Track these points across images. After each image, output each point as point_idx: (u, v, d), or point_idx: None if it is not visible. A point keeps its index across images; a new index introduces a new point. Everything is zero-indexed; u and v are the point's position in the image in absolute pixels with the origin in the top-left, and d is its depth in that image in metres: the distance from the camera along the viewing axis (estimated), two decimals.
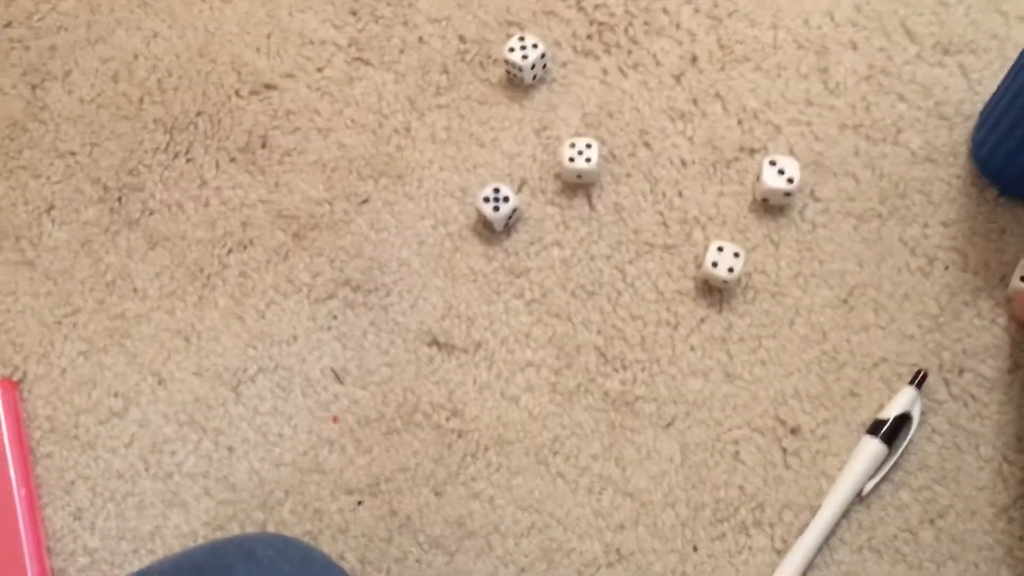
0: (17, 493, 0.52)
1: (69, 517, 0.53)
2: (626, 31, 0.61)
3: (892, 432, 0.50)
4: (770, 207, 0.55)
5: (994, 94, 0.53)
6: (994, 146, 0.53)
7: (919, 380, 0.51)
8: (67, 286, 0.57)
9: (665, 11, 0.61)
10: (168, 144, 0.60)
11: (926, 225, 0.54)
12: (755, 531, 0.50)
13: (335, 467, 0.53)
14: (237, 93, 0.61)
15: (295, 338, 0.55)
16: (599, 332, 0.54)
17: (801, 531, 0.49)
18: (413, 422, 0.53)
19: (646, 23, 0.61)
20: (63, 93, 0.62)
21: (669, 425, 0.52)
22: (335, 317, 0.56)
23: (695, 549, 0.50)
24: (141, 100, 0.62)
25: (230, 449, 0.53)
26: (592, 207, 0.57)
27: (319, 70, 0.62)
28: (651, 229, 0.56)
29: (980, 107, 0.56)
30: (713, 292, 0.54)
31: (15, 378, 0.56)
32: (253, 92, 0.61)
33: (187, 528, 0.52)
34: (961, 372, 0.51)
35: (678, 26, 0.60)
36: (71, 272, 0.58)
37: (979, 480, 0.50)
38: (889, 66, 0.58)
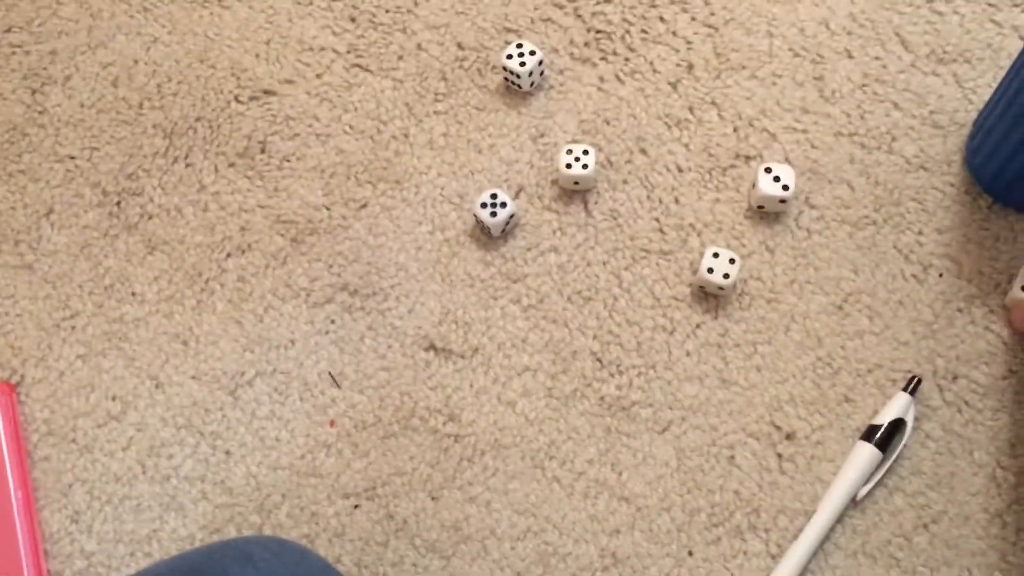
0: (14, 496, 0.52)
1: (66, 520, 0.53)
2: (623, 39, 0.61)
3: (886, 438, 0.50)
4: (766, 214, 0.56)
5: (987, 103, 0.54)
6: (988, 155, 0.53)
7: (913, 386, 0.51)
8: (66, 290, 0.58)
9: (662, 19, 0.61)
10: (167, 149, 0.61)
11: (920, 232, 0.55)
12: (750, 536, 0.50)
13: (332, 471, 0.53)
14: (236, 99, 0.62)
15: (293, 342, 0.56)
16: (595, 337, 0.54)
17: (796, 536, 0.49)
18: (410, 426, 0.53)
19: (643, 31, 0.61)
20: (63, 98, 0.63)
21: (665, 430, 0.52)
22: (333, 322, 0.56)
23: (690, 554, 0.50)
24: (141, 105, 0.62)
25: (227, 453, 0.54)
26: (589, 213, 0.57)
27: (318, 76, 0.62)
28: (647, 235, 0.56)
29: (974, 116, 0.57)
30: (709, 298, 0.54)
31: (13, 381, 0.56)
32: (252, 98, 0.62)
33: (184, 531, 0.52)
34: (955, 378, 0.52)
35: (675, 34, 0.61)
36: (70, 276, 0.58)
37: (973, 486, 0.50)
38: (884, 75, 0.58)
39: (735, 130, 0.58)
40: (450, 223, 0.57)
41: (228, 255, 0.58)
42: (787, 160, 0.57)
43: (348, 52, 0.62)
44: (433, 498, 0.52)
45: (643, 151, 0.58)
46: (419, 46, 0.62)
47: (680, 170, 0.57)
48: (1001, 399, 0.51)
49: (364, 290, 0.56)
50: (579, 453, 0.52)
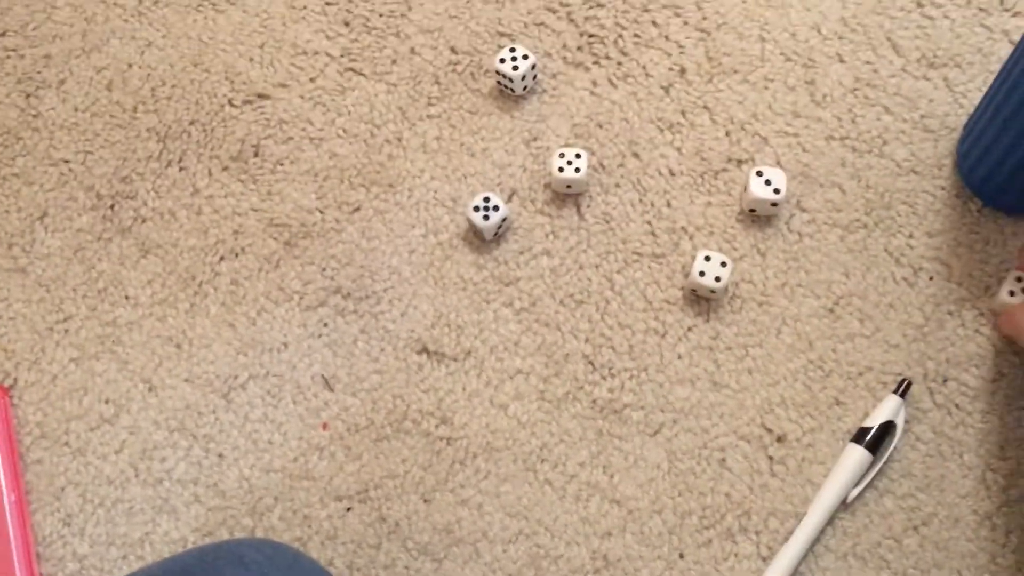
0: (7, 499, 0.52)
1: (59, 523, 0.53)
2: (616, 43, 0.61)
3: (876, 440, 0.50)
4: (757, 217, 0.56)
5: (977, 107, 0.54)
6: (978, 159, 0.53)
7: (903, 389, 0.51)
8: (59, 293, 0.58)
9: (654, 23, 0.61)
10: (161, 152, 0.61)
11: (911, 236, 0.55)
12: (741, 538, 0.50)
13: (325, 474, 0.53)
14: (230, 102, 0.62)
15: (286, 345, 0.56)
16: (587, 340, 0.54)
17: (787, 538, 0.50)
18: (402, 429, 0.53)
19: (635, 35, 0.61)
20: (57, 101, 0.63)
21: (656, 433, 0.52)
22: (326, 325, 0.56)
23: (681, 556, 0.50)
24: (135, 109, 0.62)
25: (220, 456, 0.54)
26: (581, 216, 0.57)
27: (312, 80, 0.62)
28: (639, 239, 0.56)
29: (964, 120, 0.57)
30: (700, 301, 0.55)
31: (6, 384, 0.56)
32: (246, 101, 0.62)
33: (177, 534, 0.52)
34: (945, 381, 0.52)
35: (667, 38, 0.61)
36: (63, 279, 0.58)
37: (963, 488, 0.50)
38: (875, 79, 0.59)
39: (727, 134, 0.58)
40: (443, 226, 0.58)
41: (221, 258, 0.58)
42: (778, 164, 0.57)
43: (342, 56, 0.63)
44: (425, 501, 0.52)
45: (635, 155, 0.58)
46: (412, 50, 0.62)
47: (672, 174, 0.58)
48: (991, 402, 0.51)
49: (357, 293, 0.56)
50: (571, 456, 0.52)
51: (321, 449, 0.53)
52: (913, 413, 0.51)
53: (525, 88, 0.60)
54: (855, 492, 0.50)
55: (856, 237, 0.55)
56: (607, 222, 0.57)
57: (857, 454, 0.50)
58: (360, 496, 0.52)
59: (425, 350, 0.55)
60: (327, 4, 0.64)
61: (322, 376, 0.55)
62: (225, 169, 0.60)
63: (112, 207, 0.60)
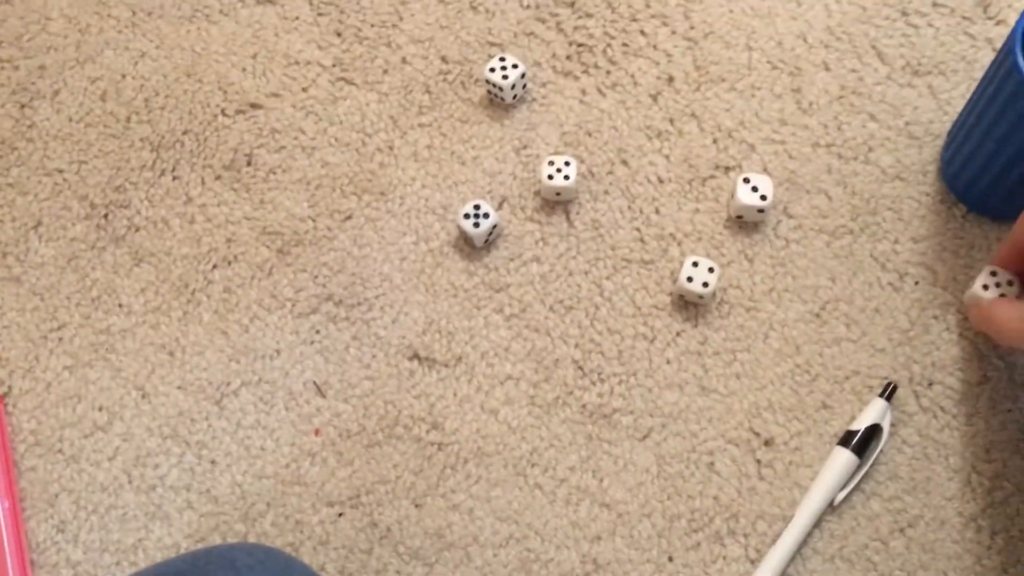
0: (1, 506, 0.53)
1: (53, 530, 0.53)
2: (604, 52, 0.62)
3: (863, 443, 0.51)
4: (744, 223, 0.57)
5: (960, 114, 0.55)
6: (961, 165, 0.54)
7: (889, 392, 0.52)
8: (53, 301, 0.58)
9: (642, 33, 0.62)
10: (154, 162, 0.61)
11: (896, 241, 0.56)
12: (729, 541, 0.51)
13: (316, 479, 0.53)
14: (223, 112, 0.62)
15: (278, 352, 0.56)
16: (577, 346, 0.55)
17: (774, 541, 0.50)
18: (394, 435, 0.54)
19: (624, 44, 0.62)
20: (51, 112, 0.63)
21: (645, 437, 0.53)
22: (318, 332, 0.56)
23: (670, 559, 0.51)
24: (128, 119, 0.63)
25: (213, 462, 0.54)
26: (571, 223, 0.58)
27: (304, 90, 0.63)
28: (628, 245, 0.57)
29: (948, 127, 0.58)
30: (689, 307, 0.55)
31: (0, 392, 0.56)
32: (239, 111, 0.62)
33: (170, 540, 0.53)
34: (931, 384, 0.53)
35: (655, 47, 0.62)
36: (57, 288, 0.59)
37: (948, 490, 0.51)
38: (860, 87, 0.59)
39: (714, 141, 0.59)
40: (434, 234, 0.58)
41: (214, 266, 0.58)
42: (765, 170, 0.58)
43: (334, 66, 0.63)
44: (417, 506, 0.52)
45: (624, 162, 0.59)
46: (404, 60, 0.63)
47: (660, 181, 0.58)
48: (976, 404, 0.52)
49: (349, 300, 0.57)
50: (561, 460, 0.53)
51: (313, 455, 0.54)
52: (899, 416, 0.52)
53: (515, 97, 0.60)
54: (842, 495, 0.50)
55: (842, 243, 0.56)
56: (596, 229, 0.57)
57: (844, 457, 0.50)
58: (352, 501, 0.53)
59: (416, 356, 0.55)
60: (319, 15, 0.65)
61: (314, 382, 0.55)
62: (218, 178, 0.61)
63: (106, 216, 0.60)
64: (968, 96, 0.58)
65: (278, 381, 0.55)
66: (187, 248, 0.59)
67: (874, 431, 0.51)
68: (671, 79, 0.61)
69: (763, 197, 0.55)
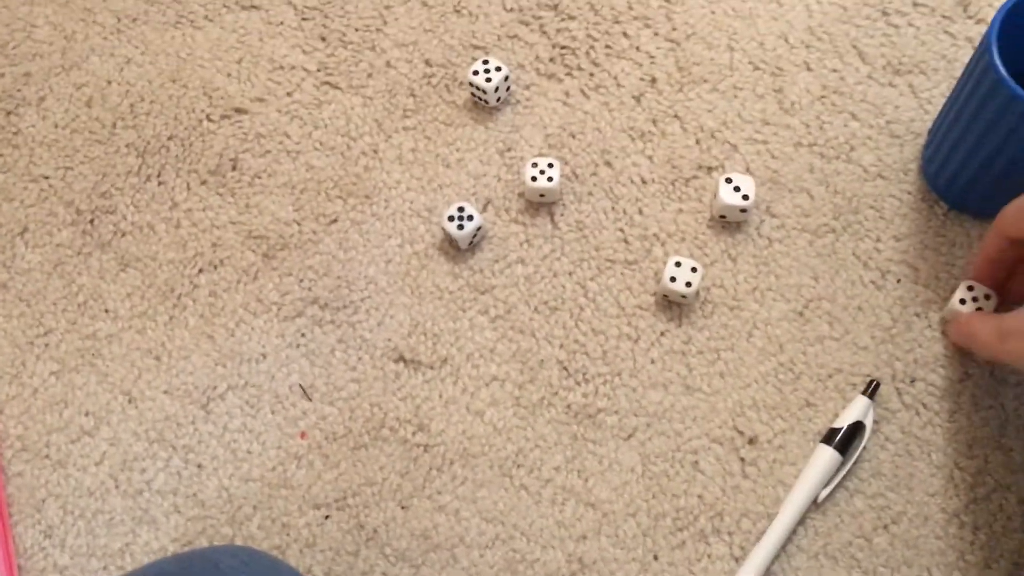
0: None
1: (40, 535, 0.54)
2: (587, 54, 0.62)
3: (846, 441, 0.51)
4: (727, 223, 0.57)
5: (940, 113, 0.55)
6: (942, 163, 0.54)
7: (872, 390, 0.52)
8: (39, 307, 0.58)
9: (625, 35, 0.63)
10: (140, 167, 0.62)
11: (878, 239, 0.56)
12: (714, 539, 0.51)
13: (303, 482, 0.53)
14: (208, 117, 0.63)
15: (264, 356, 0.56)
16: (562, 346, 0.55)
17: (759, 538, 0.50)
18: (380, 437, 0.54)
19: (607, 46, 0.62)
20: (37, 119, 0.64)
21: (630, 436, 0.53)
22: (303, 335, 0.57)
23: (656, 558, 0.51)
24: (114, 125, 0.63)
25: (199, 466, 0.54)
26: (555, 225, 0.58)
27: (289, 94, 0.63)
28: (612, 246, 0.57)
29: (929, 125, 0.58)
30: (673, 306, 0.55)
31: None
32: (224, 116, 0.63)
33: (157, 544, 0.53)
34: (913, 381, 0.53)
35: (638, 49, 0.62)
36: (43, 294, 0.59)
37: (931, 486, 0.51)
38: (842, 86, 0.60)
39: (697, 142, 0.59)
40: (419, 236, 0.58)
41: (200, 271, 0.59)
42: (748, 170, 0.58)
43: (318, 70, 0.64)
44: (403, 507, 0.53)
45: (608, 163, 0.59)
46: (388, 63, 0.63)
47: (644, 182, 0.59)
48: (958, 401, 0.52)
49: (334, 303, 0.57)
50: (546, 461, 0.53)
51: (299, 458, 0.54)
52: (882, 413, 0.52)
53: (499, 99, 0.61)
54: (825, 492, 0.51)
55: (825, 241, 0.56)
56: (580, 230, 0.58)
57: (827, 455, 0.51)
58: (338, 504, 0.53)
59: (402, 358, 0.56)
60: (303, 19, 0.65)
61: (300, 386, 0.56)
62: (203, 183, 0.61)
63: (92, 222, 0.60)
64: (948, 95, 0.58)
65: (264, 385, 0.56)
66: (173, 253, 0.59)
67: (857, 428, 0.51)
68: (654, 80, 0.61)
69: (745, 197, 0.55)
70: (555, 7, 0.64)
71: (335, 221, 0.59)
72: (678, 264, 0.54)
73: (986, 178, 0.52)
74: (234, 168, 0.61)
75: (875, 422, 0.52)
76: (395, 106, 0.62)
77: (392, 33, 0.64)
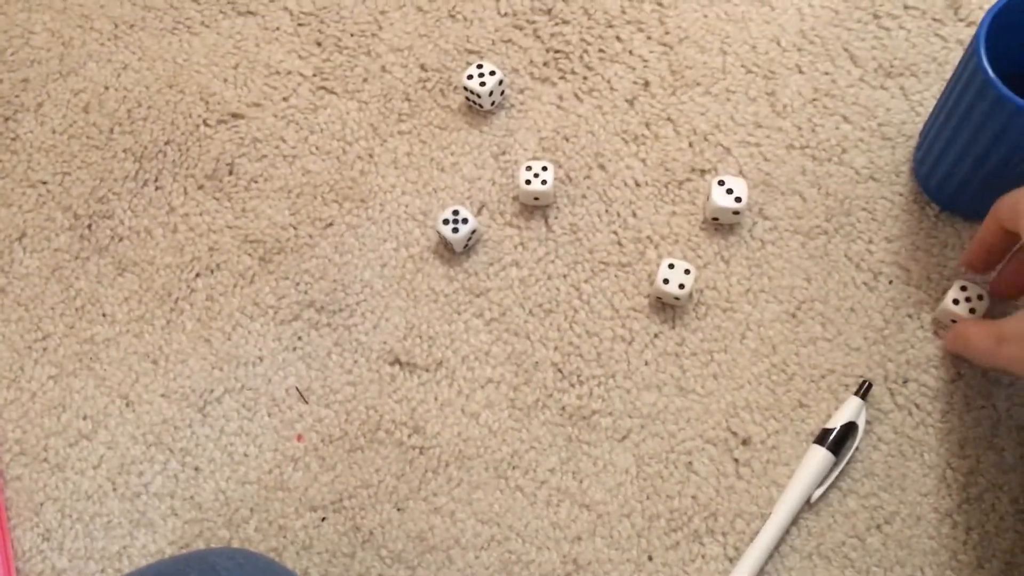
0: None
1: (38, 538, 0.54)
2: (581, 58, 0.63)
3: (839, 441, 0.51)
4: (720, 225, 0.57)
5: (931, 114, 0.55)
6: (933, 164, 0.55)
7: (864, 390, 0.52)
8: (37, 312, 0.59)
9: (618, 39, 0.63)
10: (137, 172, 0.62)
11: (871, 241, 0.56)
12: (708, 540, 0.51)
13: (299, 485, 0.54)
14: (205, 122, 0.63)
15: (261, 359, 0.57)
16: (556, 349, 0.56)
17: (752, 539, 0.50)
18: (376, 439, 0.54)
19: (600, 50, 0.63)
20: (35, 124, 0.64)
21: (624, 438, 0.53)
22: (300, 338, 0.57)
23: (650, 558, 0.51)
24: (111, 130, 0.63)
25: (197, 469, 0.55)
26: (549, 228, 0.58)
27: (285, 99, 0.63)
28: (606, 248, 0.58)
29: (921, 127, 0.58)
30: (666, 308, 0.56)
31: None
32: (220, 121, 0.63)
33: (154, 547, 0.53)
34: (905, 382, 0.53)
35: (631, 53, 0.62)
36: (41, 298, 0.59)
37: (924, 486, 0.51)
38: (834, 89, 0.60)
39: (690, 145, 0.60)
40: (414, 240, 0.59)
41: (197, 275, 0.59)
42: (741, 173, 0.59)
43: (314, 75, 0.64)
44: (399, 509, 0.53)
45: (601, 167, 0.60)
46: (383, 68, 0.64)
47: (637, 184, 0.59)
48: (950, 401, 0.53)
49: (330, 307, 0.58)
50: (541, 462, 0.53)
51: (296, 460, 0.54)
52: (874, 414, 0.53)
53: (493, 103, 0.61)
54: (818, 492, 0.51)
55: (817, 243, 0.56)
56: (574, 233, 0.58)
57: (820, 455, 0.51)
58: (335, 506, 0.53)
59: (397, 361, 0.56)
60: (299, 25, 0.66)
61: (296, 389, 0.56)
62: (200, 187, 0.61)
63: (89, 227, 0.61)
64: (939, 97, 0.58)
65: (261, 388, 0.56)
66: (170, 257, 0.59)
67: (850, 429, 0.51)
68: (647, 84, 0.61)
69: (738, 199, 0.56)
70: (549, 12, 0.64)
71: (331, 225, 0.60)
72: (671, 266, 0.54)
73: (977, 179, 0.52)
74: (230, 173, 0.61)
75: (868, 423, 0.52)
76: (390, 110, 0.62)
77: (387, 38, 0.65)
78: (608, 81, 0.62)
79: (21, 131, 0.64)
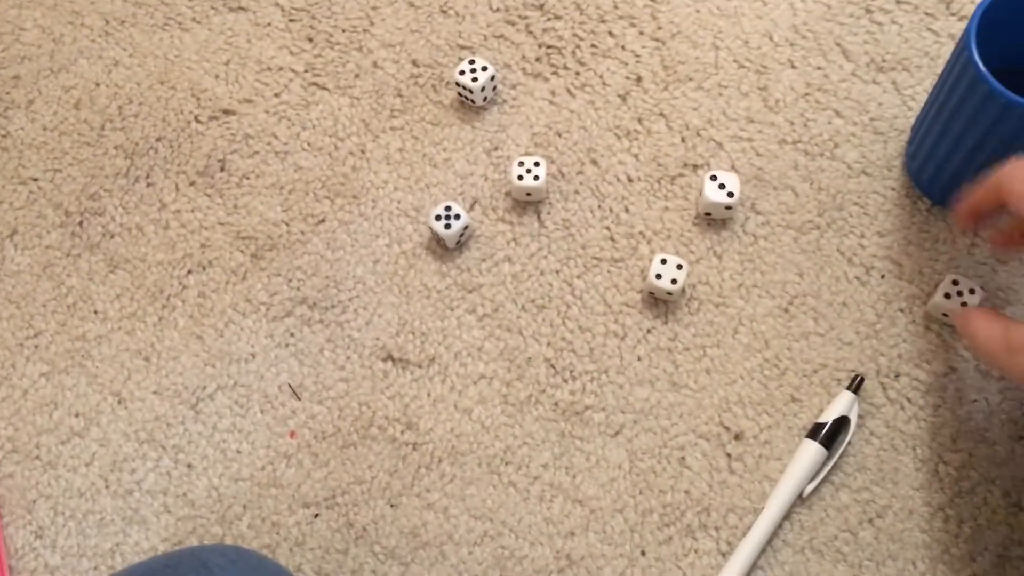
0: None
1: (31, 536, 0.54)
2: (573, 53, 0.63)
3: (831, 435, 0.51)
4: (713, 220, 0.57)
5: (922, 109, 0.55)
6: (924, 159, 0.55)
7: (857, 385, 0.52)
8: (29, 309, 0.59)
9: (611, 34, 0.63)
10: (128, 169, 0.62)
11: (863, 236, 0.56)
12: (701, 534, 0.51)
13: (292, 481, 0.54)
14: (196, 119, 0.63)
15: (253, 356, 0.57)
16: (549, 344, 0.56)
17: (745, 533, 0.50)
18: (369, 436, 0.54)
19: (593, 46, 0.63)
20: (26, 121, 0.64)
21: (617, 433, 0.53)
22: (292, 335, 0.57)
23: (643, 553, 0.51)
24: (102, 127, 0.63)
25: (189, 466, 0.55)
26: (541, 223, 0.58)
27: (276, 95, 0.63)
28: (598, 244, 0.57)
29: (912, 122, 0.58)
30: (659, 303, 0.56)
31: None
32: (212, 117, 0.63)
33: (147, 544, 0.53)
34: (897, 376, 0.53)
35: (623, 48, 0.62)
36: (33, 295, 0.59)
37: (916, 480, 0.51)
38: (826, 84, 0.60)
39: (683, 140, 0.60)
40: (407, 236, 0.59)
41: (189, 272, 0.59)
42: (733, 168, 0.58)
43: (306, 71, 0.64)
44: (392, 505, 0.53)
45: (594, 162, 0.60)
46: (375, 64, 0.64)
47: (630, 180, 0.59)
48: (942, 395, 0.53)
49: (323, 303, 0.57)
50: (534, 458, 0.53)
51: (289, 457, 0.54)
52: (867, 408, 0.53)
53: (485, 99, 0.61)
54: (811, 487, 0.51)
55: (809, 238, 0.57)
56: (567, 228, 0.58)
57: (812, 449, 0.51)
58: (327, 502, 0.53)
59: (390, 357, 0.56)
60: (291, 21, 0.65)
61: (289, 385, 0.56)
62: (192, 184, 0.61)
63: (81, 224, 0.61)
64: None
65: (253, 384, 0.56)
66: (162, 254, 0.59)
67: (842, 423, 0.52)
68: (639, 79, 0.61)
69: (730, 194, 0.56)
70: (541, 7, 0.64)
71: (323, 221, 0.59)
72: (664, 261, 0.54)
73: (968, 174, 0.52)
74: (222, 169, 0.61)
75: (860, 417, 0.52)
76: (382, 106, 0.62)
77: (379, 34, 0.64)
78: (600, 76, 0.62)
79: (12, 128, 0.64)
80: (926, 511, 0.51)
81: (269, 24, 0.65)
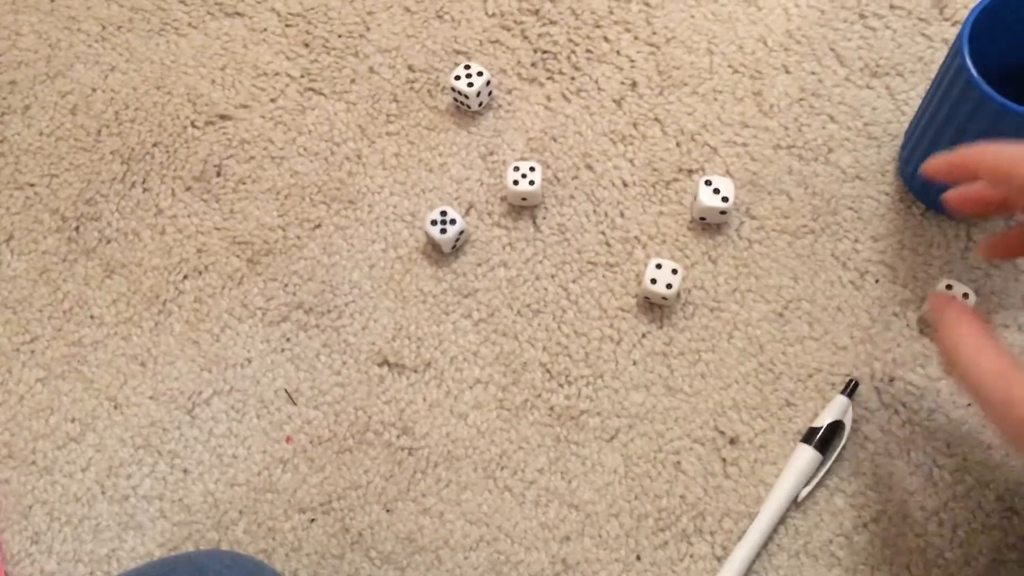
0: None
1: (27, 541, 0.54)
2: (569, 59, 0.63)
3: (825, 440, 0.51)
4: (708, 225, 0.58)
5: (915, 114, 0.55)
6: (918, 164, 0.55)
7: (851, 389, 0.53)
8: (25, 314, 0.59)
9: (606, 39, 0.63)
10: (125, 174, 0.62)
11: (857, 240, 0.57)
12: (696, 539, 0.51)
13: (288, 486, 0.54)
14: (192, 124, 0.63)
15: (249, 361, 0.57)
16: (544, 349, 0.56)
17: (740, 538, 0.51)
18: (364, 440, 0.54)
19: (588, 51, 0.63)
20: (23, 127, 0.64)
21: (613, 438, 0.54)
22: (288, 340, 0.57)
23: (638, 558, 0.51)
24: (99, 132, 0.63)
25: (185, 471, 0.55)
26: (537, 228, 0.58)
27: (272, 100, 0.63)
28: (594, 248, 0.58)
29: (906, 127, 0.58)
30: (654, 308, 0.56)
31: None
32: (208, 123, 0.63)
33: (143, 550, 0.53)
34: (891, 381, 0.53)
35: (618, 53, 0.63)
36: (29, 301, 0.59)
37: (910, 485, 0.51)
38: (820, 89, 0.60)
39: (678, 145, 0.60)
40: (402, 241, 0.59)
41: (185, 277, 0.59)
42: (728, 173, 0.59)
43: (302, 76, 0.64)
44: (387, 510, 0.53)
45: (589, 167, 0.60)
46: (371, 69, 0.64)
47: (625, 184, 0.59)
48: (936, 400, 0.53)
49: (319, 308, 0.58)
50: (530, 462, 0.53)
51: (285, 462, 0.54)
52: (861, 413, 0.53)
53: (481, 104, 0.61)
54: (806, 491, 0.51)
55: (804, 242, 0.57)
56: (562, 233, 0.58)
57: (807, 454, 0.51)
58: (323, 507, 0.53)
59: (386, 362, 0.56)
60: (287, 26, 0.66)
61: (285, 390, 0.56)
62: (188, 189, 0.61)
63: (77, 229, 0.61)
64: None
65: (249, 389, 0.56)
66: (158, 259, 0.59)
67: (836, 428, 0.52)
68: (634, 84, 0.62)
69: (725, 199, 0.56)
70: (536, 12, 0.64)
71: (319, 226, 0.60)
72: (659, 266, 0.54)
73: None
74: (219, 174, 0.61)
75: (854, 421, 0.52)
76: (378, 111, 0.62)
77: (375, 39, 0.65)
78: (596, 81, 0.62)
79: (8, 133, 0.64)
80: (921, 515, 0.51)
81: (265, 29, 0.65)
